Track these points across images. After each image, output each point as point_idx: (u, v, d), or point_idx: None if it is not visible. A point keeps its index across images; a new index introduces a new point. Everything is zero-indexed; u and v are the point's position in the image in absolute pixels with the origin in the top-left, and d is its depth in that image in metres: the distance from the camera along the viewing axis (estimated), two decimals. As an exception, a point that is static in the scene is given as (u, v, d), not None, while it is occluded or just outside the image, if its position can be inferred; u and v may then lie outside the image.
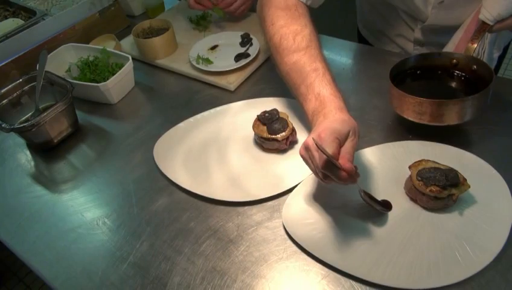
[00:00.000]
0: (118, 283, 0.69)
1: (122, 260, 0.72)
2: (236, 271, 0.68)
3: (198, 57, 1.08)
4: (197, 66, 1.07)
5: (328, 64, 0.77)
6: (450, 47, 0.97)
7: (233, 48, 1.13)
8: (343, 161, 0.62)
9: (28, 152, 0.96)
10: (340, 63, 1.08)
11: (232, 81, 1.03)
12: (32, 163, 0.94)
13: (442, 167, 0.69)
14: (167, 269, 0.69)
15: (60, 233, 0.78)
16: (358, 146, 0.82)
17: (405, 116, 0.79)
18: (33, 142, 0.96)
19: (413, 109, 0.76)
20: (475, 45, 0.81)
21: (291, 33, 0.79)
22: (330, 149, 0.62)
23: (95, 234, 0.77)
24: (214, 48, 1.15)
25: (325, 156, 0.61)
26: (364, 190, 0.69)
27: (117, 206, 0.81)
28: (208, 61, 1.07)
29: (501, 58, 1.11)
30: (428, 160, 0.72)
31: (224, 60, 1.09)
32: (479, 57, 0.96)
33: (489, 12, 0.79)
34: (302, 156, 0.68)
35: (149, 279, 0.68)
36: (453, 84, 0.86)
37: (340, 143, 0.64)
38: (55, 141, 0.94)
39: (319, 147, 0.60)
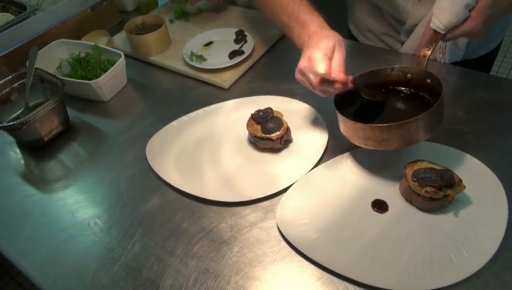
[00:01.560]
0: (109, 285, 0.68)
1: (114, 261, 0.71)
2: (229, 273, 0.67)
3: (192, 54, 1.07)
4: (190, 63, 1.05)
5: None
6: (410, 43, 0.97)
7: (227, 45, 1.11)
8: (335, 74, 0.69)
9: (18, 150, 0.95)
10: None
11: (226, 79, 1.02)
12: (23, 162, 0.92)
13: (437, 168, 0.69)
14: (159, 271, 0.68)
15: (50, 233, 0.77)
16: (353, 146, 0.81)
17: (352, 142, 0.74)
18: (23, 141, 0.94)
19: (357, 134, 0.71)
20: (428, 53, 0.77)
21: None
22: (321, 67, 0.69)
23: (86, 234, 0.76)
24: (208, 44, 1.14)
25: (318, 77, 0.70)
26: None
27: (109, 206, 0.80)
28: (201, 58, 1.06)
29: (493, 56, 1.11)
30: (424, 160, 0.71)
31: (218, 57, 1.08)
32: (440, 56, 0.96)
33: (439, 20, 0.77)
34: (298, 79, 0.76)
35: (141, 281, 0.67)
36: (408, 102, 0.79)
37: (330, 58, 0.71)
38: (46, 139, 0.93)
39: (311, 71, 0.70)
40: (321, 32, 0.75)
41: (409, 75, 0.78)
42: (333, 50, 0.72)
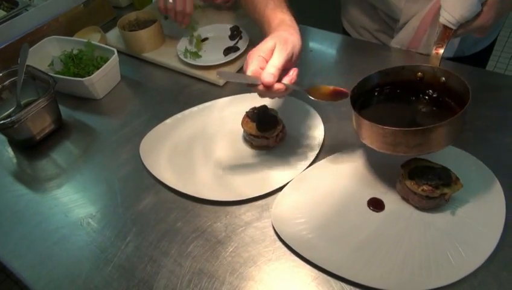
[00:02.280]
0: (101, 286, 0.67)
1: (107, 262, 0.70)
2: (224, 273, 0.66)
3: (186, 50, 1.05)
4: (184, 60, 1.04)
5: None
6: (404, 35, 0.95)
7: (222, 41, 1.10)
8: (263, 75, 0.63)
9: (9, 149, 0.93)
10: (327, 55, 1.06)
11: (221, 76, 1.00)
12: (15, 161, 0.91)
13: (434, 166, 0.68)
14: (153, 272, 0.67)
15: (42, 234, 0.76)
16: (350, 144, 0.81)
17: (376, 149, 0.67)
18: (15, 139, 0.92)
19: (385, 140, 0.65)
20: (441, 51, 0.72)
21: None
22: (250, 69, 0.64)
23: (79, 234, 0.75)
24: (202, 41, 1.12)
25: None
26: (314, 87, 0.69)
27: (102, 206, 0.79)
28: (195, 55, 1.05)
29: (488, 52, 1.10)
30: (420, 158, 0.70)
31: (213, 54, 1.06)
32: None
33: (450, 14, 0.72)
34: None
35: (134, 282, 0.66)
36: (422, 103, 0.74)
37: (265, 58, 0.65)
38: (38, 137, 0.91)
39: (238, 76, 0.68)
40: (276, 29, 0.70)
41: (420, 73, 0.73)
42: (271, 51, 0.66)
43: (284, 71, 0.66)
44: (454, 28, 0.73)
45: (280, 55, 0.65)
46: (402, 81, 0.75)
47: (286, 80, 0.66)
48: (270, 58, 0.65)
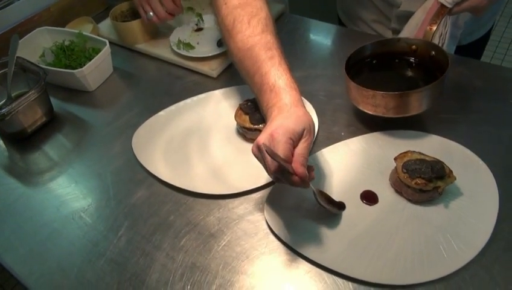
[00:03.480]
0: (94, 280, 0.66)
1: (99, 256, 0.69)
2: (216, 267, 0.66)
3: (179, 41, 1.04)
4: (177, 51, 1.03)
5: (283, 52, 0.71)
6: (409, 30, 0.94)
7: (216, 32, 1.08)
8: (296, 165, 0.58)
9: (0, 142, 0.93)
10: (323, 46, 1.05)
11: (214, 68, 0.99)
12: (6, 154, 0.90)
13: (428, 159, 0.68)
14: (145, 265, 0.67)
15: (34, 228, 0.75)
16: (344, 136, 0.80)
17: (361, 108, 0.77)
18: (6, 132, 0.91)
19: (367, 101, 0.74)
20: (434, 28, 0.78)
21: (246, 15, 0.72)
22: (282, 152, 0.58)
23: (71, 228, 0.74)
24: (197, 31, 1.11)
25: (276, 162, 0.58)
26: (320, 190, 0.67)
27: (94, 200, 0.78)
28: (189, 46, 1.03)
29: (484, 42, 1.09)
30: (414, 151, 0.70)
31: (206, 45, 1.05)
32: (441, 38, 0.94)
33: None
34: (254, 154, 0.63)
35: (126, 276, 0.66)
36: (412, 72, 0.83)
37: (294, 144, 0.60)
38: (29, 130, 0.90)
39: (269, 153, 0.56)
40: (293, 109, 0.63)
41: (414, 46, 0.81)
42: (300, 136, 0.61)
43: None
44: (449, 6, 0.77)
45: (307, 146, 0.61)
46: (397, 52, 0.83)
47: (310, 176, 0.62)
48: (297, 143, 0.61)
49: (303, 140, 0.61)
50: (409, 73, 0.83)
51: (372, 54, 0.84)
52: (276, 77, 0.67)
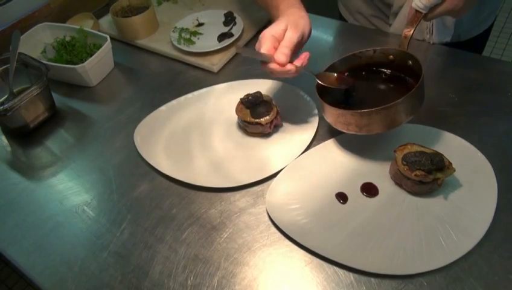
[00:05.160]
0: (97, 272, 0.67)
1: (102, 249, 0.70)
2: (219, 259, 0.67)
3: (180, 36, 1.04)
4: (178, 46, 1.03)
5: None
6: (398, 26, 0.95)
7: (216, 27, 1.09)
8: (277, 55, 0.67)
9: (3, 137, 0.93)
10: (323, 41, 1.06)
11: (215, 62, 1.00)
12: (9, 149, 0.91)
13: (427, 151, 0.68)
14: (148, 258, 0.68)
15: (38, 221, 0.76)
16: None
17: (335, 128, 0.74)
18: (8, 128, 0.92)
19: (338, 120, 0.72)
20: (409, 34, 0.75)
21: None
22: (264, 48, 0.68)
23: (74, 222, 0.75)
24: (198, 26, 1.11)
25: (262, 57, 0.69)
26: (320, 72, 0.76)
27: (97, 193, 0.79)
28: (189, 41, 1.04)
29: (485, 38, 1.09)
30: (413, 143, 0.70)
31: (207, 40, 1.06)
32: (427, 31, 0.95)
33: (419, 0, 0.74)
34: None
35: (130, 268, 0.67)
36: (390, 85, 0.79)
37: (277, 39, 0.69)
38: (31, 125, 0.91)
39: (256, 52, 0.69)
40: (286, 11, 0.74)
41: (391, 56, 0.78)
42: (283, 32, 0.70)
43: (293, 53, 0.70)
44: (424, 11, 0.75)
45: (292, 37, 0.69)
46: (374, 63, 0.80)
47: (298, 62, 0.70)
48: (282, 39, 0.70)
49: (287, 33, 0.70)
50: (388, 85, 0.79)
51: (351, 68, 0.81)
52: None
